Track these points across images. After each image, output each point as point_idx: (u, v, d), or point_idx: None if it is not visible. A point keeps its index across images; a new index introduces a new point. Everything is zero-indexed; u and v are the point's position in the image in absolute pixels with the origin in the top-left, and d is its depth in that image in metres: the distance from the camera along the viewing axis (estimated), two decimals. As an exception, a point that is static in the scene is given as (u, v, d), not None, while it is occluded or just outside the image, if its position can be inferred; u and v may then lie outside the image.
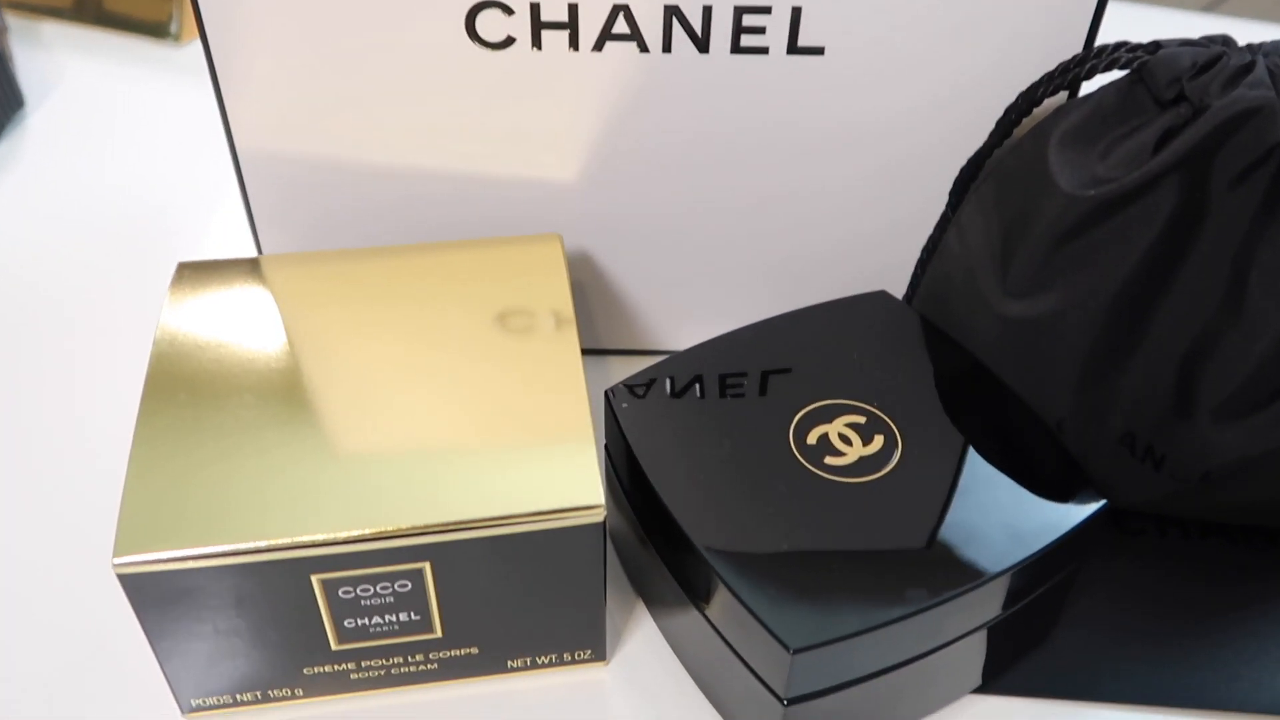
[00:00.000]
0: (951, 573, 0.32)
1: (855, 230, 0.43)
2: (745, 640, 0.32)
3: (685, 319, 0.46)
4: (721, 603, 0.33)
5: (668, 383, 0.38)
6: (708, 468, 0.35)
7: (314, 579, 0.32)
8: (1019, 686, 0.37)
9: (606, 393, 0.38)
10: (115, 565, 0.31)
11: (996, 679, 0.37)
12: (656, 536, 0.36)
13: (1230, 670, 0.38)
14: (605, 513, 0.32)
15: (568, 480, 0.33)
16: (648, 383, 0.38)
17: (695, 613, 0.35)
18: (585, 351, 0.36)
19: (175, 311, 0.38)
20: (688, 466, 0.35)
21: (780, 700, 0.32)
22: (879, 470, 0.35)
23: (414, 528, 0.32)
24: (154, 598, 0.32)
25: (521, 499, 0.32)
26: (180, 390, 0.35)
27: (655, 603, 0.38)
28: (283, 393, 0.35)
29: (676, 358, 0.39)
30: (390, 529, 0.31)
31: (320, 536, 0.31)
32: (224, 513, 0.32)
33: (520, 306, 0.38)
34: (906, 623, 0.32)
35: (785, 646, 0.31)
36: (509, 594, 0.34)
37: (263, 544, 0.31)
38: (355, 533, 0.31)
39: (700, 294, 0.45)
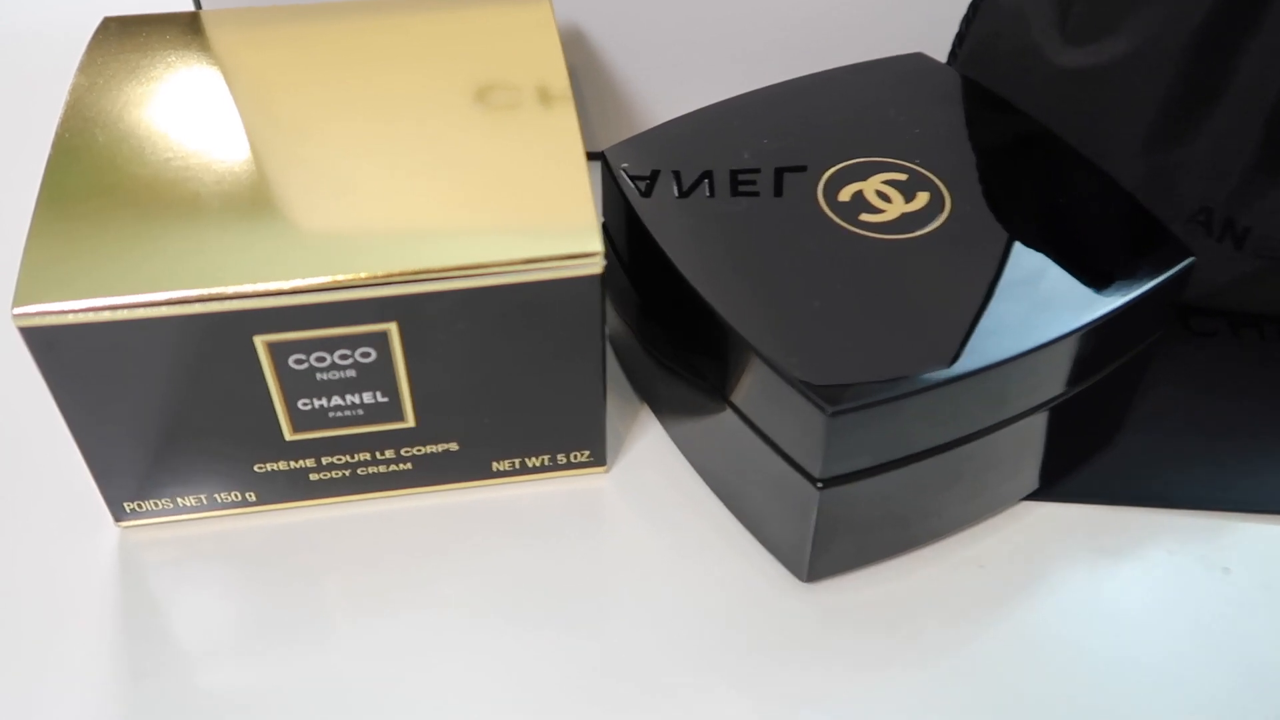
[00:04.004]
0: (1011, 333, 0.27)
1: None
2: (773, 414, 0.27)
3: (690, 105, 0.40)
4: (744, 373, 0.28)
5: (675, 142, 0.33)
6: (724, 229, 0.30)
7: (259, 342, 0.27)
8: (1079, 492, 0.32)
9: (604, 154, 0.32)
10: (15, 316, 0.25)
11: (1055, 484, 0.32)
12: (667, 315, 0.31)
13: (1317, 475, 0.33)
14: (604, 263, 0.27)
15: (560, 229, 0.28)
16: (652, 142, 0.33)
17: (712, 398, 0.30)
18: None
19: (96, 62, 0.32)
20: (700, 229, 0.30)
21: (814, 482, 0.27)
22: (924, 227, 0.30)
23: (375, 276, 0.26)
24: (68, 365, 0.27)
25: (505, 246, 0.27)
26: (98, 134, 0.30)
27: (663, 401, 0.33)
28: (221, 149, 0.30)
29: (684, 118, 0.34)
30: (347, 278, 0.26)
31: (262, 285, 0.26)
32: (147, 259, 0.26)
33: (505, 69, 0.33)
34: (957, 387, 0.27)
35: (821, 409, 0.26)
36: (492, 371, 0.29)
37: (192, 293, 0.26)
38: (304, 281, 0.26)
39: (707, 75, 0.40)
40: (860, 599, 0.30)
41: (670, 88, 0.40)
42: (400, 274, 0.26)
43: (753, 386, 0.28)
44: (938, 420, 0.27)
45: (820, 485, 0.27)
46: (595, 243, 0.27)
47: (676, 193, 0.31)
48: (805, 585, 0.30)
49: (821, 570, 0.30)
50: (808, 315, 0.28)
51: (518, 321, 0.28)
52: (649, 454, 0.33)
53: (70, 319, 0.26)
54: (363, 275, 0.26)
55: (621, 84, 0.40)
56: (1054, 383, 0.29)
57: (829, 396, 0.26)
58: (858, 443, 0.27)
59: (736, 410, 0.29)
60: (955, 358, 0.27)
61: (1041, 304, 0.28)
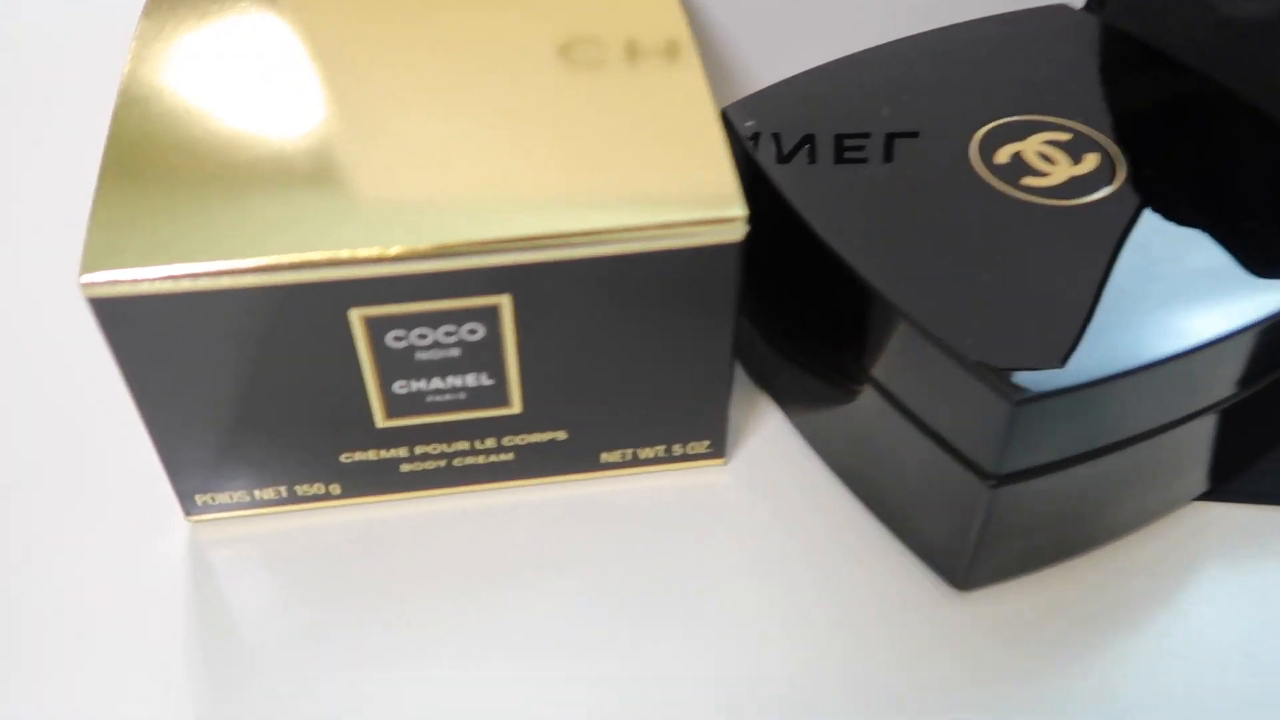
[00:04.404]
0: (1213, 313, 0.24)
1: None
2: (938, 402, 0.24)
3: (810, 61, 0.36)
4: (903, 356, 0.24)
5: (804, 99, 0.29)
6: (867, 194, 0.27)
7: (354, 316, 0.24)
8: (1254, 493, 0.29)
9: (724, 112, 0.29)
10: (84, 286, 0.22)
11: (1226, 483, 0.29)
12: (802, 291, 0.28)
13: None
14: (746, 229, 0.24)
15: (695, 192, 0.24)
16: (777, 99, 0.29)
17: (855, 384, 0.26)
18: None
19: (163, 4, 0.29)
20: (841, 194, 0.27)
21: (986, 479, 0.24)
22: (1097, 191, 0.26)
23: (490, 242, 0.23)
24: (140, 340, 0.23)
25: (635, 211, 0.24)
26: (168, 82, 0.26)
27: (787, 387, 0.30)
28: (307, 101, 0.26)
29: (810, 73, 0.30)
30: (458, 242, 0.23)
31: (362, 252, 0.23)
32: (230, 223, 0.23)
33: (619, 20, 0.29)
34: (1154, 374, 0.23)
35: (1005, 397, 0.22)
36: (610, 352, 0.26)
37: (283, 259, 0.23)
38: (410, 247, 0.23)
39: (826, 29, 0.36)
40: (1019, 608, 0.27)
41: (789, 42, 0.36)
42: (518, 240, 0.23)
43: (914, 371, 0.24)
44: (1127, 412, 0.24)
45: (993, 483, 0.24)
46: (738, 206, 0.24)
47: (810, 154, 0.28)
48: (957, 594, 0.27)
49: (980, 578, 0.26)
50: (977, 290, 0.24)
51: (643, 295, 0.25)
52: (770, 445, 0.30)
53: (144, 288, 0.22)
54: (476, 240, 0.23)
55: (735, 36, 0.37)
56: (1252, 370, 0.25)
57: (1014, 383, 0.22)
58: (1041, 436, 0.23)
59: (889, 398, 0.25)
60: (1144, 344, 0.23)
61: (1241, 280, 0.25)
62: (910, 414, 0.25)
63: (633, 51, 0.28)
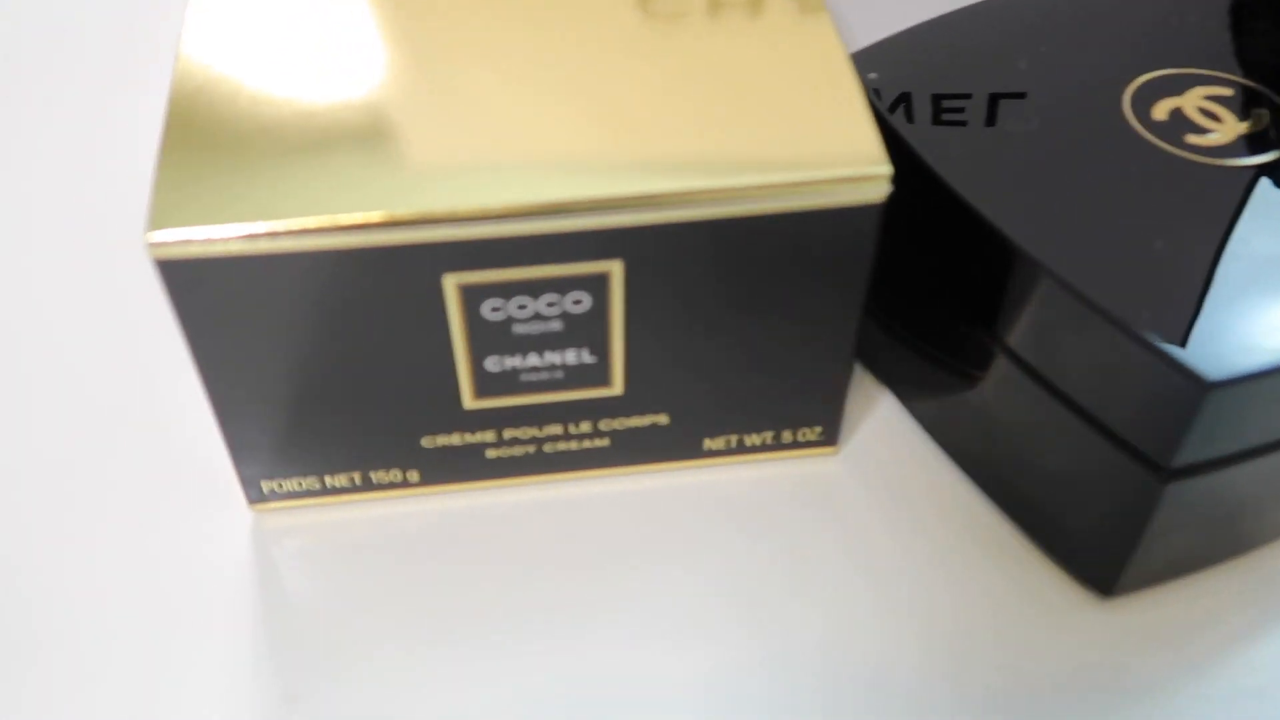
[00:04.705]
0: None
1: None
2: (1106, 386, 0.21)
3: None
4: (1066, 335, 0.22)
5: (934, 49, 0.27)
6: (1011, 153, 0.24)
7: (449, 283, 0.21)
8: None
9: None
10: (152, 246, 0.20)
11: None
12: (933, 262, 0.25)
13: None
14: (889, 188, 0.21)
15: (829, 146, 0.21)
16: (904, 49, 0.27)
17: (993, 367, 0.24)
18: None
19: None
20: (982, 153, 0.24)
21: (1158, 471, 0.21)
22: (1272, 150, 0.24)
23: (605, 200, 0.20)
24: (209, 308, 0.21)
25: (762, 168, 0.21)
26: (240, 20, 0.24)
27: (904, 369, 0.27)
28: (382, 59, 0.24)
29: (939, 21, 0.27)
30: (570, 199, 0.20)
31: (461, 206, 0.20)
32: (309, 179, 0.21)
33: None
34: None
35: (1195, 380, 0.19)
36: (725, 327, 0.23)
37: (372, 218, 0.20)
38: (516, 203, 0.20)
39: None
40: (1167, 616, 0.24)
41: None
42: (638, 198, 0.20)
43: (1076, 353, 0.22)
44: (1315, 397, 0.21)
45: (1165, 476, 0.21)
46: (883, 163, 0.21)
47: (942, 109, 0.25)
48: (1098, 600, 0.24)
49: (1131, 583, 0.24)
50: (1149, 261, 0.21)
51: (768, 263, 0.22)
52: (884, 433, 0.27)
53: (218, 249, 0.20)
54: (590, 198, 0.20)
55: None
56: None
57: (1205, 364, 0.20)
58: (1226, 424, 0.20)
59: (1042, 382, 0.23)
60: (1352, 316, 0.20)
61: None
62: (1068, 400, 0.22)
63: (756, 2, 0.25)
